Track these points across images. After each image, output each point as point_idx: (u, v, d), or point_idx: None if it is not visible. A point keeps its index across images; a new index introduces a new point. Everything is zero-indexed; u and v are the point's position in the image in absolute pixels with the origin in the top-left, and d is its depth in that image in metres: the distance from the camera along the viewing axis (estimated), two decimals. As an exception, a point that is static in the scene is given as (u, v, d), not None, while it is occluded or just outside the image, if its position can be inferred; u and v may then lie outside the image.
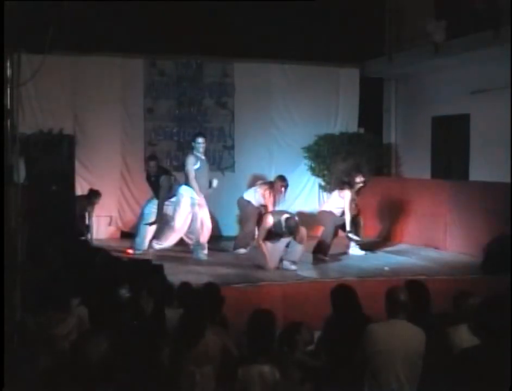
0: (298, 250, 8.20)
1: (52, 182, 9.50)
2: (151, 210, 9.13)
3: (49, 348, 4.47)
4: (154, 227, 9.11)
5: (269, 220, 8.14)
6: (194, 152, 8.91)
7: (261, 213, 9.46)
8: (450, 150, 11.35)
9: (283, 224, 8.04)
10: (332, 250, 9.22)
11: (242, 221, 10.20)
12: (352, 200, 9.25)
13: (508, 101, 9.40)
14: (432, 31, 10.11)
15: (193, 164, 8.81)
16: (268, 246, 8.15)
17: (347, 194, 9.20)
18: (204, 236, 8.94)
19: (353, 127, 11.85)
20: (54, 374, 3.83)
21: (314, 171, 11.52)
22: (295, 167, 11.36)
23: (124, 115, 10.92)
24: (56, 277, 5.63)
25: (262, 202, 9.62)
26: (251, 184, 10.41)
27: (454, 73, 10.82)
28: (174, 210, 8.91)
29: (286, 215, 8.18)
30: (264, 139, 11.44)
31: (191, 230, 8.95)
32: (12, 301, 4.28)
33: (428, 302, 5.10)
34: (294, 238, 8.11)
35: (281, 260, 8.24)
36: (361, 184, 9.55)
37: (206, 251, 8.98)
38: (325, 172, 11.39)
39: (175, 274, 7.38)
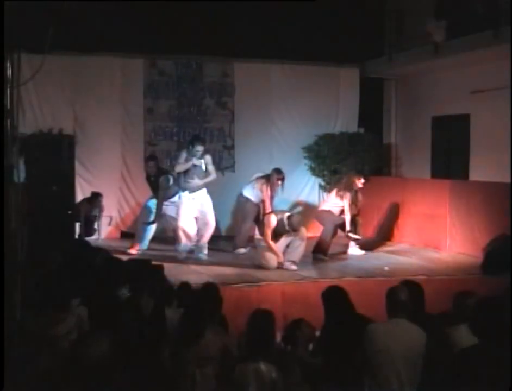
0: (299, 250, 8.22)
1: (53, 182, 9.52)
2: (152, 209, 9.14)
3: (49, 348, 4.46)
4: (154, 227, 9.14)
5: (273, 220, 8.18)
6: (189, 154, 8.66)
7: (259, 211, 9.47)
8: (450, 150, 11.36)
9: (285, 222, 8.10)
10: (332, 250, 9.24)
11: (239, 218, 10.16)
12: (352, 200, 9.26)
13: (508, 101, 9.41)
14: (432, 31, 10.12)
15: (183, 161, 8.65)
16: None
17: (346, 194, 9.21)
18: (206, 236, 8.94)
19: (353, 127, 11.86)
20: (54, 374, 3.83)
21: (315, 171, 11.53)
22: (295, 167, 11.36)
23: (124, 115, 10.92)
24: (56, 277, 5.63)
25: (261, 196, 9.61)
26: (251, 184, 10.42)
27: (454, 73, 10.82)
28: (177, 210, 8.90)
29: (287, 214, 8.29)
30: (264, 139, 11.45)
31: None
32: (12, 301, 4.27)
33: (423, 302, 5.10)
34: (297, 235, 8.14)
35: (281, 260, 8.26)
36: (360, 185, 9.55)
37: (206, 251, 8.99)
38: (325, 172, 11.40)
39: (175, 274, 7.37)
